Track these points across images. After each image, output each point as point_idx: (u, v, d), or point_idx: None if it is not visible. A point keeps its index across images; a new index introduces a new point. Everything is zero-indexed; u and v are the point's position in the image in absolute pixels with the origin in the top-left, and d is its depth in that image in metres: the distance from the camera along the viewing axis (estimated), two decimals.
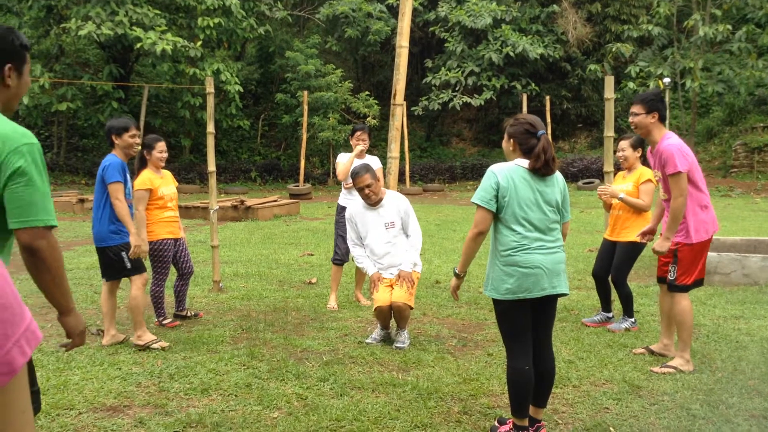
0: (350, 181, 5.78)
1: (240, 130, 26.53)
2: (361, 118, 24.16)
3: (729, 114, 24.61)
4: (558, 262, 3.49)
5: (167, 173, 5.94)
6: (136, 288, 5.16)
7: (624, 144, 5.85)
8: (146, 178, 5.60)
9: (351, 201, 6.46)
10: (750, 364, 4.77)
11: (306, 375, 4.50)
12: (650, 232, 5.06)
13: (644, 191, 5.65)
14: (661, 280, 5.01)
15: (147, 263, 5.52)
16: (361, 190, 5.29)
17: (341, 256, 6.61)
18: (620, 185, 5.85)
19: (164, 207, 5.74)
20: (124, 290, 6.71)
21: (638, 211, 5.69)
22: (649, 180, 5.64)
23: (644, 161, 5.83)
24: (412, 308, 5.24)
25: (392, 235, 5.31)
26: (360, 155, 6.55)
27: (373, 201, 5.31)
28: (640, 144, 5.83)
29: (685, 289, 4.67)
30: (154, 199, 5.64)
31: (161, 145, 5.78)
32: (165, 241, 5.72)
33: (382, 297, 5.20)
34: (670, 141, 4.54)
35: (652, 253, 5.00)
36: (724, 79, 22.12)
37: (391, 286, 5.27)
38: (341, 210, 6.66)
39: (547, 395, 3.59)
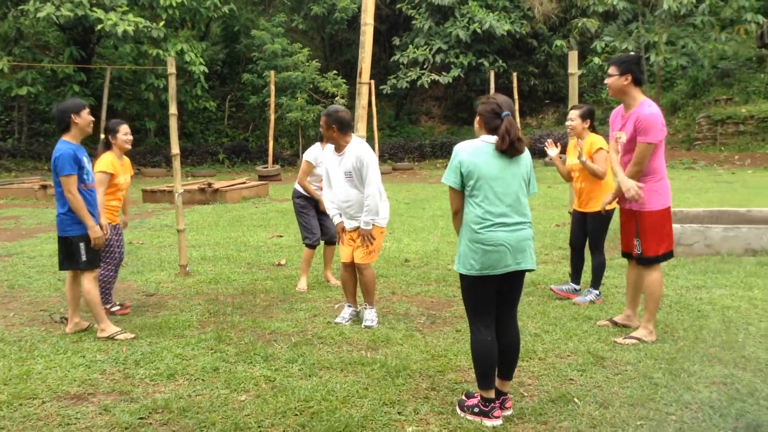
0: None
1: (206, 111, 26.13)
2: (329, 98, 23.98)
3: (693, 87, 24.92)
4: (523, 239, 3.52)
5: (127, 161, 5.82)
6: (88, 282, 5.04)
7: (573, 114, 5.94)
8: (108, 161, 5.49)
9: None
10: (711, 332, 4.88)
11: (274, 357, 4.49)
12: (613, 200, 5.19)
13: (598, 159, 5.72)
14: (625, 254, 5.08)
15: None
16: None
17: (316, 239, 6.56)
18: (572, 158, 5.94)
19: (114, 195, 5.63)
20: None
21: (597, 179, 5.76)
22: (601, 148, 5.72)
23: (593, 131, 5.91)
24: (369, 267, 5.28)
25: (351, 185, 5.21)
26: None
27: (329, 143, 5.31)
28: (589, 115, 5.92)
29: (655, 261, 4.74)
30: (110, 184, 5.53)
31: (125, 128, 5.66)
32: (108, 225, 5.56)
33: (345, 253, 5.32)
34: (652, 110, 4.61)
35: (619, 223, 5.06)
36: (688, 53, 22.35)
37: (354, 240, 5.28)
38: (298, 195, 6.60)
39: (513, 368, 3.64)
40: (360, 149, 5.18)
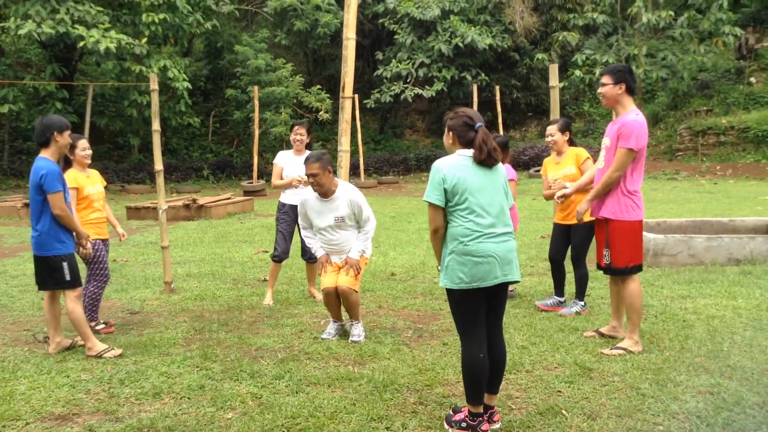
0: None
1: (190, 127, 26.05)
2: (313, 113, 24.00)
3: (673, 99, 25.19)
4: (510, 251, 3.54)
5: (94, 172, 5.80)
6: (70, 301, 4.96)
7: (552, 129, 5.96)
8: (71, 177, 5.45)
9: (294, 196, 6.47)
10: (697, 342, 4.90)
11: (261, 374, 4.46)
12: (567, 196, 5.41)
13: (587, 170, 5.72)
14: (601, 267, 5.11)
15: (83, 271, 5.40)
16: (308, 177, 5.17)
17: (280, 254, 6.56)
18: (558, 172, 5.93)
19: (90, 207, 5.60)
20: None
21: (587, 191, 5.77)
22: (588, 158, 5.76)
23: (571, 143, 5.95)
24: (357, 292, 5.23)
25: (342, 228, 5.28)
26: (296, 185, 6.45)
27: (318, 191, 5.19)
28: (567, 127, 5.95)
29: (623, 272, 4.78)
30: (79, 198, 5.50)
31: (83, 143, 5.64)
32: (95, 242, 5.54)
33: (329, 279, 5.25)
34: (636, 117, 4.67)
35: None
36: (668, 65, 22.64)
37: (339, 269, 5.29)
38: (281, 206, 6.62)
39: (500, 382, 3.64)
40: (352, 193, 5.24)
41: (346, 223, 5.25)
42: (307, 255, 6.65)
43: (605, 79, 4.78)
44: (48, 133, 4.87)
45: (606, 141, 4.86)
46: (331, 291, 5.23)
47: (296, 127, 6.68)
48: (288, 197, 6.56)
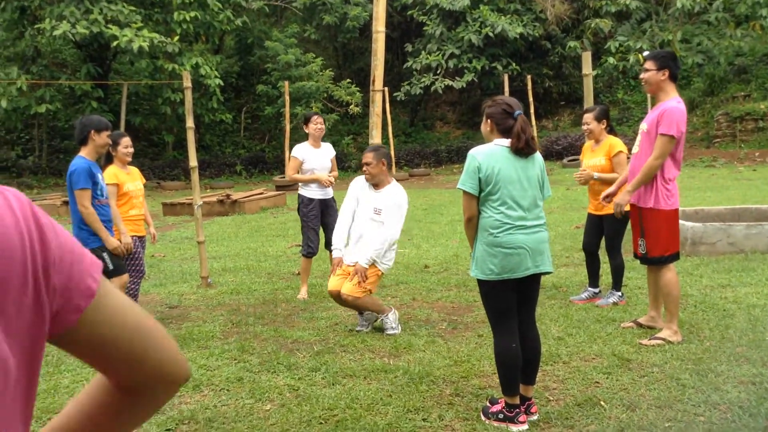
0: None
1: (223, 124, 26.31)
2: (343, 107, 24.05)
3: (710, 84, 24.67)
4: (541, 242, 3.52)
5: (134, 169, 5.90)
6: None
7: (588, 117, 5.87)
8: (111, 173, 5.55)
9: (317, 190, 6.49)
10: (737, 331, 4.82)
11: (297, 366, 4.50)
12: (612, 195, 5.20)
13: (618, 163, 5.66)
14: (637, 256, 5.05)
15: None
16: (363, 166, 5.36)
17: (313, 249, 6.58)
18: (590, 160, 5.87)
19: (129, 203, 5.69)
20: None
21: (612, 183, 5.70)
22: (621, 151, 5.67)
23: (611, 131, 5.85)
24: (359, 298, 5.17)
25: (375, 222, 5.28)
26: (327, 185, 6.51)
27: (369, 180, 5.35)
28: (604, 115, 5.85)
29: (659, 261, 4.71)
30: (119, 195, 5.59)
31: (126, 141, 5.73)
32: (132, 238, 5.64)
33: (334, 283, 5.31)
34: (678, 105, 4.60)
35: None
36: (704, 50, 22.17)
37: (347, 275, 5.29)
38: (308, 202, 6.56)
39: (535, 372, 3.62)
40: (400, 197, 5.30)
41: (380, 217, 5.26)
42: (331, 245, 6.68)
43: (648, 65, 4.70)
44: (85, 132, 4.99)
45: (643, 126, 4.78)
46: (335, 294, 5.29)
47: (315, 117, 6.65)
48: (312, 192, 6.55)
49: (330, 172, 6.65)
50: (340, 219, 5.54)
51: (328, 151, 6.74)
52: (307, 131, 6.65)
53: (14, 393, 0.78)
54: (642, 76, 4.79)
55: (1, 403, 0.76)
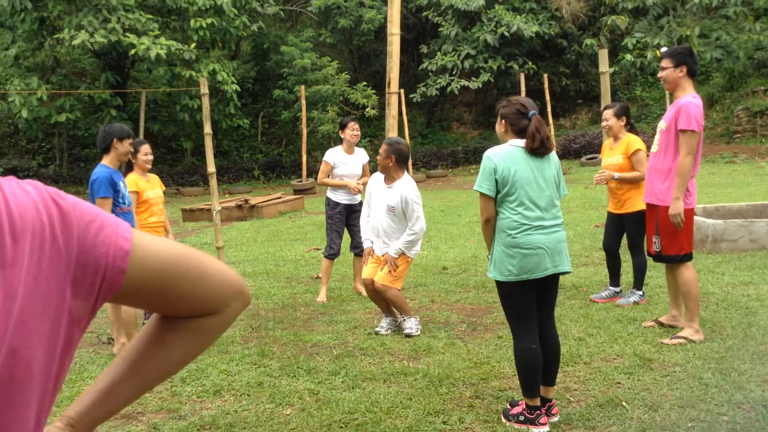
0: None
1: (240, 129, 26.46)
2: (360, 109, 24.09)
3: (729, 79, 24.38)
4: (559, 241, 3.50)
5: (154, 177, 5.96)
6: None
7: (608, 113, 5.83)
8: (132, 180, 5.60)
9: (345, 194, 6.51)
10: (761, 329, 4.76)
11: (317, 370, 4.52)
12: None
13: (637, 161, 5.62)
14: (650, 254, 5.03)
15: None
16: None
17: (335, 251, 6.60)
18: (608, 159, 5.83)
19: (149, 211, 5.74)
20: None
21: (637, 181, 5.66)
22: (639, 149, 5.63)
23: (630, 128, 5.81)
24: (395, 289, 5.26)
25: (390, 218, 5.31)
26: (355, 192, 6.54)
27: (381, 171, 5.41)
28: (624, 112, 5.81)
29: (672, 260, 4.67)
30: (139, 202, 5.65)
31: (145, 148, 5.79)
32: None
33: (368, 271, 5.39)
34: (695, 100, 4.56)
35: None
36: (722, 45, 21.91)
37: (380, 262, 5.36)
38: (334, 205, 6.61)
39: (555, 373, 3.60)
40: (408, 190, 5.28)
41: (395, 214, 5.28)
42: (357, 247, 6.69)
43: (665, 63, 4.67)
44: (108, 140, 5.06)
45: (662, 124, 4.74)
46: (368, 283, 5.36)
47: (351, 123, 6.65)
48: (340, 196, 6.58)
49: (360, 177, 6.67)
50: (363, 213, 5.66)
51: (361, 156, 6.73)
52: (342, 136, 6.67)
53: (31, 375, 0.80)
54: (660, 74, 4.75)
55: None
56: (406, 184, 5.33)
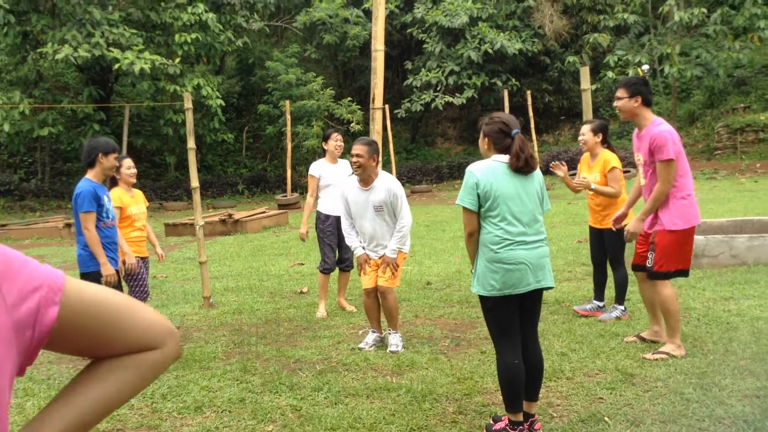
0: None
1: (224, 143, 26.42)
2: (344, 125, 24.14)
3: (709, 97, 24.74)
4: (541, 257, 3.52)
5: (138, 192, 5.93)
6: None
7: (585, 128, 5.92)
8: (116, 195, 5.57)
9: (336, 206, 6.48)
10: (741, 344, 4.79)
11: (300, 386, 4.49)
12: (622, 218, 5.20)
13: (612, 179, 5.69)
14: (636, 267, 5.05)
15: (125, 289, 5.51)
16: (352, 156, 5.25)
17: (330, 265, 6.59)
18: (588, 176, 5.88)
19: (131, 226, 5.72)
20: None
21: (611, 198, 5.73)
22: (615, 167, 5.68)
23: (608, 146, 5.88)
24: (395, 286, 5.28)
25: (381, 218, 5.25)
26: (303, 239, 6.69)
27: (356, 172, 5.23)
28: (602, 129, 5.89)
29: (665, 276, 4.68)
30: (122, 217, 5.61)
31: (127, 162, 5.76)
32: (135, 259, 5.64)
33: (368, 280, 5.30)
34: (661, 127, 4.59)
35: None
36: (702, 63, 22.24)
37: (378, 267, 5.30)
38: (324, 218, 6.61)
39: (538, 388, 3.60)
40: (392, 183, 5.25)
41: (384, 211, 5.23)
42: (342, 262, 6.67)
43: (620, 93, 4.73)
44: (93, 154, 5.03)
45: (639, 158, 4.80)
46: (371, 291, 5.29)
47: (335, 134, 6.69)
48: (330, 208, 6.56)
49: None
50: (344, 225, 5.51)
51: (345, 167, 6.73)
52: (326, 148, 6.68)
53: None
54: (615, 104, 4.82)
55: None
56: (387, 178, 5.29)
